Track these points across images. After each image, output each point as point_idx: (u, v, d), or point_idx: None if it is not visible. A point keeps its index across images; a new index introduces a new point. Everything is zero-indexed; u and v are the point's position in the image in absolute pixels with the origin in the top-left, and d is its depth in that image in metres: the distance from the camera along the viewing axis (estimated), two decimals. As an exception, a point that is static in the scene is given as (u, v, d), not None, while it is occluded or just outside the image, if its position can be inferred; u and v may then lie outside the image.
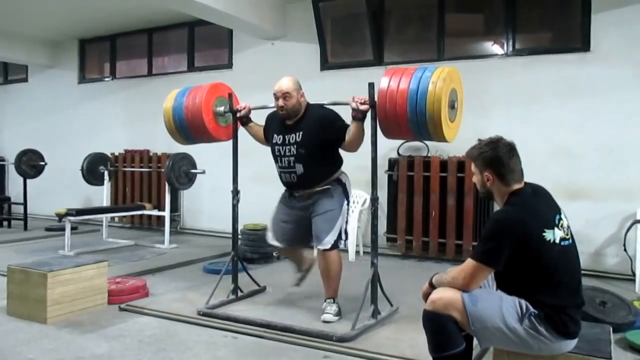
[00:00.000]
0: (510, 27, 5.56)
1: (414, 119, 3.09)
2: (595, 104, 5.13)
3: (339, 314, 3.53)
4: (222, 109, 3.92)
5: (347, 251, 5.60)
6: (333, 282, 3.59)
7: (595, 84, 5.13)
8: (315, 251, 3.75)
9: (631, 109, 4.99)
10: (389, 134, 3.36)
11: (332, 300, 3.60)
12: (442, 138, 3.19)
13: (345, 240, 3.64)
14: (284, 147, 3.56)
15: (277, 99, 3.52)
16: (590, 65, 5.14)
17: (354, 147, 3.48)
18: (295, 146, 3.52)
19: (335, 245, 3.52)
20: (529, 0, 5.62)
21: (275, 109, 3.63)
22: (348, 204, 3.67)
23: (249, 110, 3.85)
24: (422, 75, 3.10)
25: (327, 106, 3.64)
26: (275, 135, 3.63)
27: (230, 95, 3.94)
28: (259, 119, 3.94)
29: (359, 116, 3.35)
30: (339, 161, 3.68)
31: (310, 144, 3.48)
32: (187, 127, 3.91)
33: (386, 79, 3.20)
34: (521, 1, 5.56)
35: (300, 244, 3.80)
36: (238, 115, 3.86)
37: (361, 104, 3.33)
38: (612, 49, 5.05)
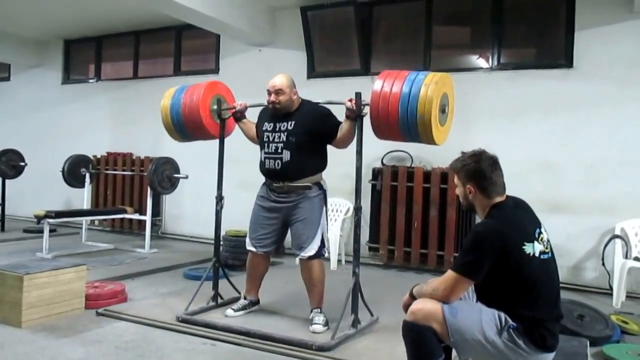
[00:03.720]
0: (496, 41, 5.65)
1: (405, 119, 3.13)
2: (577, 120, 5.21)
3: (327, 324, 3.49)
4: (217, 106, 3.94)
5: (329, 260, 5.60)
6: (318, 290, 3.61)
7: (577, 100, 5.21)
8: (296, 260, 3.75)
9: (612, 126, 5.07)
10: (380, 134, 3.36)
11: (319, 310, 3.60)
12: (431, 140, 3.21)
13: (326, 248, 3.67)
14: (274, 134, 3.59)
15: (269, 94, 3.57)
16: (573, 81, 5.23)
17: (344, 144, 3.56)
18: (285, 134, 3.55)
19: (319, 253, 3.55)
20: (515, 15, 5.72)
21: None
22: (326, 212, 3.70)
23: (246, 107, 3.87)
24: (415, 77, 3.16)
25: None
26: (266, 123, 3.67)
27: (220, 101, 3.95)
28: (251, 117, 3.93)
29: (352, 116, 3.42)
30: (324, 162, 3.70)
31: (301, 134, 3.52)
32: (184, 124, 3.93)
33: (380, 81, 3.24)
34: (507, 16, 5.65)
35: (274, 245, 3.79)
36: (234, 110, 3.86)
37: (355, 103, 3.39)
38: (595, 66, 5.14)
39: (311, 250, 3.52)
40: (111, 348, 3.11)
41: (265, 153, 3.63)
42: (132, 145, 7.70)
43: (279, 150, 3.54)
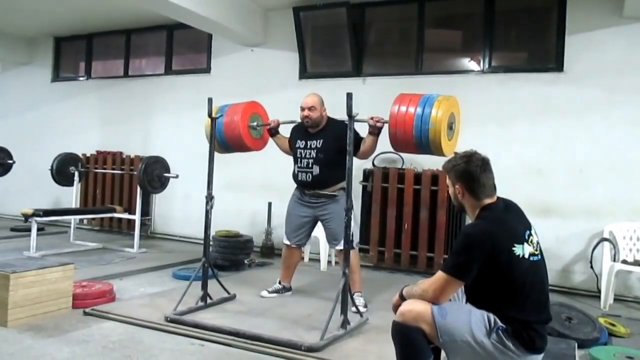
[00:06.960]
0: (487, 45, 5.67)
1: (419, 135, 3.44)
2: (566, 124, 5.25)
3: (366, 305, 4.00)
4: (254, 123, 4.29)
5: (319, 261, 5.60)
6: (355, 276, 4.07)
7: (567, 104, 5.24)
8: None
9: (600, 131, 5.11)
10: (397, 147, 3.64)
11: (360, 294, 4.08)
12: (440, 152, 3.49)
13: (356, 240, 4.10)
14: (305, 151, 4.13)
15: (302, 110, 4.08)
16: (563, 85, 5.26)
17: (366, 155, 4.06)
18: (315, 151, 4.09)
19: (351, 245, 3.88)
20: (506, 19, 5.76)
21: (299, 122, 4.18)
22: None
23: (278, 124, 4.29)
24: (427, 100, 3.47)
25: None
26: (298, 141, 4.20)
27: (256, 117, 4.30)
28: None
29: (375, 132, 3.79)
30: None
31: (328, 150, 4.04)
32: (226, 139, 4.22)
33: (397, 104, 3.52)
34: (499, 20, 5.68)
35: (306, 239, 4.37)
36: (269, 127, 4.26)
37: (377, 121, 3.72)
38: (584, 71, 5.18)
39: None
40: (98, 348, 3.08)
41: (298, 167, 4.18)
42: (122, 144, 7.65)
43: (310, 165, 4.09)
